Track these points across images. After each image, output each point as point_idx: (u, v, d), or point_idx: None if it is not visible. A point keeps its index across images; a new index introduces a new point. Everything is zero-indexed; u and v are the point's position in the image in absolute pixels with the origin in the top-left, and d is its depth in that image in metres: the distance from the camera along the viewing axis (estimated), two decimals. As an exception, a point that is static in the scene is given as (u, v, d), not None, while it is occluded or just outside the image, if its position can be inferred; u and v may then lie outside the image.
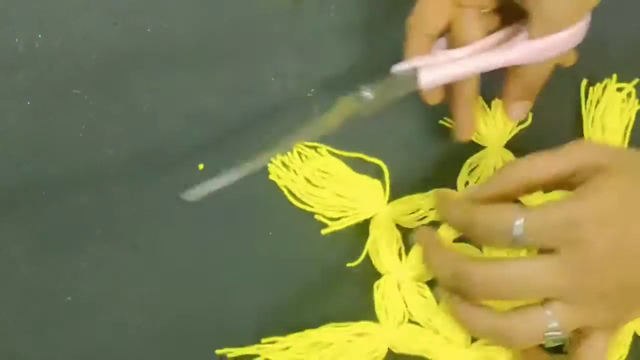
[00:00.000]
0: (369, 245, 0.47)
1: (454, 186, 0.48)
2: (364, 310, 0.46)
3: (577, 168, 0.40)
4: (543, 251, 0.39)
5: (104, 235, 0.48)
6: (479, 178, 0.48)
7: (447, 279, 0.42)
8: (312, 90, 0.50)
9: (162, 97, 0.50)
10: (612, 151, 0.42)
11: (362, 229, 0.48)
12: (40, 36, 0.51)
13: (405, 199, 0.48)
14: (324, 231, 0.47)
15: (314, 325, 0.46)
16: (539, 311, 0.40)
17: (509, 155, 0.49)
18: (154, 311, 0.46)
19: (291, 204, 0.48)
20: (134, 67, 0.50)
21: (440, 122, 0.50)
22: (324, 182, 0.48)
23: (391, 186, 0.48)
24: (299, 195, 0.48)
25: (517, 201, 0.44)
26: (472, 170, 0.49)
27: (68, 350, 0.46)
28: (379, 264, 0.46)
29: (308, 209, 0.48)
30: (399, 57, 0.49)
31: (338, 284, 0.47)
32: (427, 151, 0.50)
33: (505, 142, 0.49)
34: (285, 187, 0.48)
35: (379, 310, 0.46)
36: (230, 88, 0.50)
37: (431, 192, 0.47)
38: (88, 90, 0.50)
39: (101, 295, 0.47)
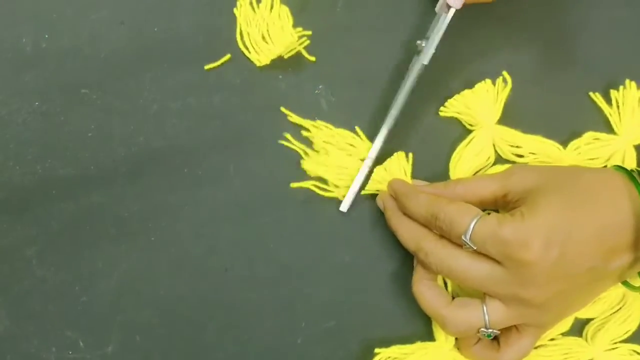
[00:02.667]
0: None
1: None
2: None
3: (509, 189, 0.44)
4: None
5: (118, 234, 0.48)
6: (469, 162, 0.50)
7: (409, 248, 0.46)
8: (320, 87, 0.50)
9: (170, 95, 0.50)
10: (543, 171, 0.45)
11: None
12: (47, 36, 0.51)
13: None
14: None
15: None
16: (477, 308, 0.44)
17: (504, 132, 0.50)
18: (170, 309, 0.47)
19: (305, 200, 0.49)
20: (142, 66, 0.50)
21: (441, 109, 0.51)
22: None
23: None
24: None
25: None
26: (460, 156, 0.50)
27: (86, 351, 0.46)
28: None
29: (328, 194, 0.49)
30: (405, 52, 0.50)
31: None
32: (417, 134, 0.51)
33: (496, 120, 0.50)
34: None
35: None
36: (238, 86, 0.50)
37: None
38: (96, 89, 0.50)
39: (117, 295, 0.47)
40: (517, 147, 0.50)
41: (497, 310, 0.43)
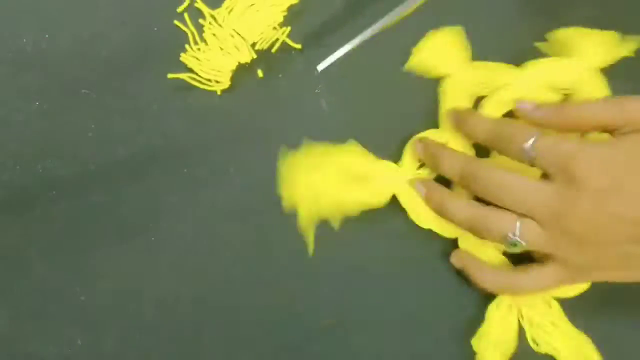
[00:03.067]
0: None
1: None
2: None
3: (628, 122, 0.42)
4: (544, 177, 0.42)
5: (117, 233, 0.48)
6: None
7: (455, 175, 0.46)
8: (320, 86, 0.50)
9: (171, 94, 0.50)
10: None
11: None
12: (47, 36, 0.51)
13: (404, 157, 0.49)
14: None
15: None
16: (511, 218, 0.43)
17: (478, 68, 0.49)
18: (170, 308, 0.47)
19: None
20: (142, 65, 0.50)
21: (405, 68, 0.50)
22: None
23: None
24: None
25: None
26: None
27: (85, 350, 0.46)
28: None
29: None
30: (405, 52, 0.50)
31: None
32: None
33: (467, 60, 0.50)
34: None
35: None
36: (239, 86, 0.50)
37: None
38: (97, 89, 0.50)
39: (117, 294, 0.47)
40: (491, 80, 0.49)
41: (530, 226, 0.42)
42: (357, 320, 0.47)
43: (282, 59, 0.51)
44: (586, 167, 0.40)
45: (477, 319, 0.46)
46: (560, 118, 0.44)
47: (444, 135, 0.48)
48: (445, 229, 0.47)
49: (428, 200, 0.47)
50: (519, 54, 0.49)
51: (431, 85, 0.50)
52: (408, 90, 0.50)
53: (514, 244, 0.43)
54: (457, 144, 0.48)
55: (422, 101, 0.50)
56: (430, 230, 0.48)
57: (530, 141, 0.42)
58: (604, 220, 0.41)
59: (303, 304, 0.48)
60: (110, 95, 0.50)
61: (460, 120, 0.48)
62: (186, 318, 0.47)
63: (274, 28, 0.51)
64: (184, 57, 0.50)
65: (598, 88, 0.48)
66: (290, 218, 0.48)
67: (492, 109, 0.48)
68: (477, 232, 0.45)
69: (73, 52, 0.51)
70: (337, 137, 0.50)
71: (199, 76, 0.50)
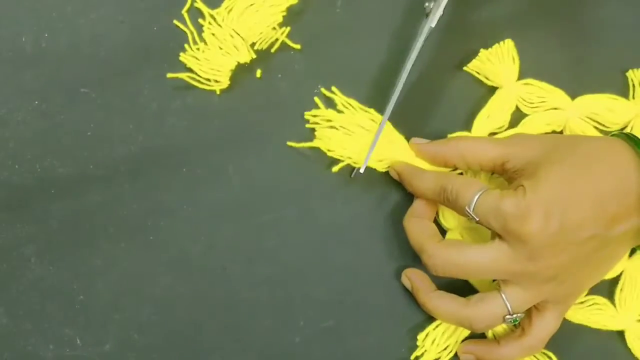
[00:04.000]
0: None
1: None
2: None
3: (509, 158, 0.45)
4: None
5: (116, 232, 0.48)
6: (489, 116, 0.50)
7: (414, 248, 0.46)
8: (319, 87, 0.51)
9: (170, 94, 0.50)
10: (544, 141, 0.45)
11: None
12: (47, 35, 0.51)
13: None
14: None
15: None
16: (495, 298, 0.44)
17: (526, 89, 0.50)
18: (168, 307, 0.47)
19: (304, 200, 0.49)
20: (142, 65, 0.50)
21: (464, 68, 0.51)
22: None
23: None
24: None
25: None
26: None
27: (83, 349, 0.46)
28: None
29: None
30: (404, 52, 0.50)
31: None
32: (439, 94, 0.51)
33: (516, 78, 0.51)
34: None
35: None
36: (238, 86, 0.50)
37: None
38: (96, 88, 0.50)
39: (115, 293, 0.47)
40: (542, 100, 0.50)
41: (515, 293, 0.43)
42: (355, 321, 0.47)
43: (281, 59, 0.51)
44: (532, 223, 0.41)
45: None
46: (451, 151, 0.47)
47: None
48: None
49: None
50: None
51: (428, 87, 0.50)
52: (409, 92, 0.50)
53: (515, 320, 0.44)
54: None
55: (418, 104, 0.50)
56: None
57: (473, 204, 0.43)
58: (568, 254, 0.42)
59: (302, 303, 0.48)
60: (109, 94, 0.50)
61: (406, 177, 0.48)
62: (185, 317, 0.47)
63: (273, 28, 0.51)
64: (183, 57, 0.50)
65: None
66: (288, 217, 0.48)
67: (533, 127, 0.50)
68: (468, 328, 0.46)
69: (72, 52, 0.51)
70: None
71: (198, 76, 0.50)
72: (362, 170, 0.48)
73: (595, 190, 0.42)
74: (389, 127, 0.49)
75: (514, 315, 0.44)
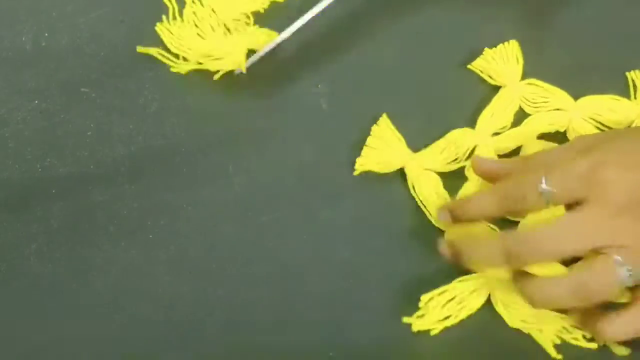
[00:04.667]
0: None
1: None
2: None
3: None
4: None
5: (116, 232, 0.48)
6: (492, 115, 0.50)
7: (497, 263, 0.43)
8: (319, 85, 0.51)
9: (170, 94, 0.50)
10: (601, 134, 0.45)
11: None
12: (47, 34, 0.51)
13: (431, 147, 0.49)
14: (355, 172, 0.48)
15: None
16: (603, 258, 0.40)
17: (529, 89, 0.51)
18: (168, 306, 0.47)
19: (303, 200, 0.49)
20: (142, 64, 0.51)
21: (468, 66, 0.52)
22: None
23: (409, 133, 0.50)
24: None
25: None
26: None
27: (84, 347, 0.46)
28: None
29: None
30: (406, 52, 0.50)
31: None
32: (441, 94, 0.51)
33: (520, 78, 0.51)
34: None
35: None
36: (238, 85, 0.51)
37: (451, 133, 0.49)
38: (96, 88, 0.50)
39: (115, 292, 0.47)
40: (545, 100, 0.50)
41: (619, 252, 0.40)
42: (354, 320, 0.47)
43: (282, 59, 0.51)
44: (609, 169, 0.40)
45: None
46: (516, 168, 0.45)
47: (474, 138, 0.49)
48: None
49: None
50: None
51: (430, 86, 0.51)
52: (408, 91, 0.51)
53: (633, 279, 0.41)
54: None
55: (420, 102, 0.50)
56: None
57: (543, 182, 0.41)
58: None
59: (301, 303, 0.47)
60: (109, 94, 0.50)
61: (459, 212, 0.46)
62: (183, 316, 0.47)
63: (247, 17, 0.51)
64: (159, 27, 0.50)
65: None
66: (288, 217, 0.48)
67: (536, 127, 0.49)
68: (583, 303, 0.42)
69: (72, 51, 0.51)
70: (336, 136, 0.50)
71: (169, 52, 0.50)
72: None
73: None
74: (387, 129, 0.49)
75: (630, 267, 0.40)
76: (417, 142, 0.50)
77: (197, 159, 0.49)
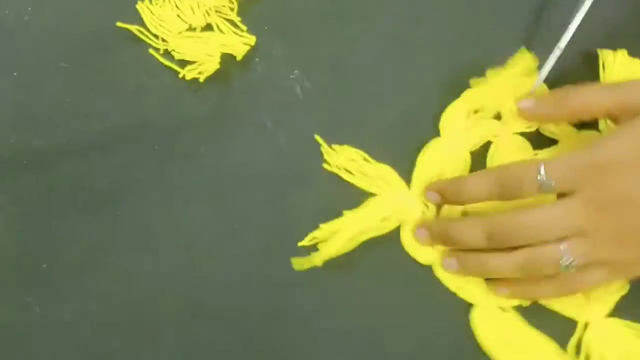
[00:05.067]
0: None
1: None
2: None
3: (630, 106, 0.43)
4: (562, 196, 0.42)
5: (85, 206, 0.48)
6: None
7: (479, 242, 0.44)
8: (296, 72, 0.51)
9: (147, 73, 0.51)
10: None
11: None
12: (30, 9, 0.51)
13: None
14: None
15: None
16: (555, 247, 0.42)
17: None
18: (129, 282, 0.47)
19: (272, 182, 0.49)
20: (121, 43, 0.51)
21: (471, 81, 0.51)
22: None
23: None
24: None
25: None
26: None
27: (42, 317, 0.46)
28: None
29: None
30: (382, 40, 0.51)
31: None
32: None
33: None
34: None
35: None
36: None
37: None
38: (75, 64, 0.51)
39: (78, 265, 0.47)
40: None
41: (576, 242, 0.42)
42: (316, 303, 0.47)
43: (260, 43, 0.51)
44: (607, 169, 0.41)
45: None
46: (564, 109, 0.45)
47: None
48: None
49: (463, 272, 0.46)
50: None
51: (403, 78, 0.51)
52: (383, 81, 0.51)
53: (567, 267, 0.42)
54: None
55: (394, 92, 0.50)
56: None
57: (542, 171, 0.42)
58: (637, 213, 0.41)
59: (264, 283, 0.47)
60: (88, 70, 0.51)
61: (451, 193, 0.46)
62: (144, 292, 0.47)
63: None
64: (140, 6, 0.51)
65: None
66: (256, 199, 0.48)
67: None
68: (531, 272, 0.44)
69: (54, 26, 0.52)
70: (308, 124, 0.50)
71: (148, 30, 0.51)
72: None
73: None
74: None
75: (570, 260, 0.42)
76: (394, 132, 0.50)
77: (169, 139, 0.50)
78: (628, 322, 0.46)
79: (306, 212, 0.48)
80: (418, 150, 0.49)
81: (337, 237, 0.47)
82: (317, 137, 0.49)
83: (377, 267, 0.47)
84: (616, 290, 0.46)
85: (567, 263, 0.42)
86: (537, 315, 0.45)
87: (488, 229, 0.44)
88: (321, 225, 0.47)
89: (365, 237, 0.47)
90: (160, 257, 0.48)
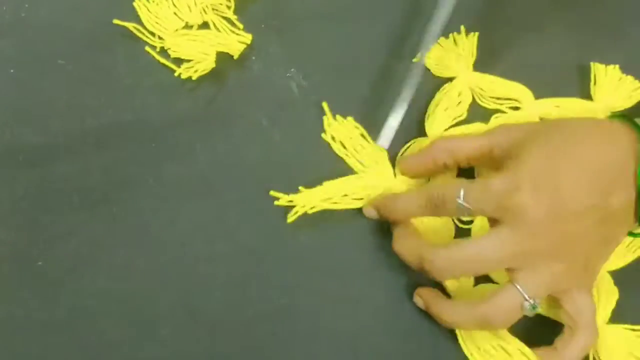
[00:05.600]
0: None
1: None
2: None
3: (494, 145, 0.45)
4: (491, 222, 0.43)
5: (80, 203, 0.48)
6: (446, 109, 0.50)
7: (413, 264, 0.45)
8: (292, 70, 0.51)
9: (143, 70, 0.51)
10: (529, 125, 0.45)
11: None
12: (27, 5, 0.52)
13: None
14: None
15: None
16: (508, 288, 0.42)
17: (481, 78, 0.51)
18: (124, 279, 0.47)
19: (267, 182, 0.49)
20: (118, 40, 0.51)
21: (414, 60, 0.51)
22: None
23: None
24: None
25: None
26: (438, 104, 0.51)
27: (36, 314, 0.46)
28: None
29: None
30: (377, 39, 0.51)
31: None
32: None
33: (471, 67, 0.51)
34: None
35: None
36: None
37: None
38: (71, 60, 0.51)
39: (73, 261, 0.47)
40: (496, 98, 0.51)
41: (526, 277, 0.42)
42: (309, 302, 0.47)
43: (256, 41, 0.52)
44: (524, 192, 0.41)
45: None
46: (437, 152, 0.47)
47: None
48: None
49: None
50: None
51: (399, 76, 0.51)
52: (378, 78, 0.51)
53: (532, 307, 0.42)
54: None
55: (390, 89, 0.50)
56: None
57: (461, 195, 0.42)
58: (568, 226, 0.42)
59: (257, 281, 0.47)
60: (84, 67, 0.51)
61: (385, 210, 0.47)
62: (139, 288, 0.46)
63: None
64: (136, 3, 0.51)
65: None
66: (251, 198, 0.48)
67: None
68: (488, 328, 0.44)
69: (51, 23, 0.52)
70: (305, 121, 0.50)
71: (145, 28, 0.51)
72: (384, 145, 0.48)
73: (586, 161, 0.42)
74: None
75: (532, 301, 0.42)
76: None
77: (164, 135, 0.50)
78: (628, 326, 0.46)
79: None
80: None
81: (314, 192, 0.47)
82: (324, 105, 0.49)
83: (379, 268, 0.48)
84: (611, 296, 0.46)
85: (529, 302, 0.42)
86: (539, 324, 0.46)
87: (419, 260, 0.44)
88: (300, 188, 0.48)
89: (342, 202, 0.48)
90: (155, 254, 0.48)
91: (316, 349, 0.46)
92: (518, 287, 0.42)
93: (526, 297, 0.42)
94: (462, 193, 0.42)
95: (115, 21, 0.50)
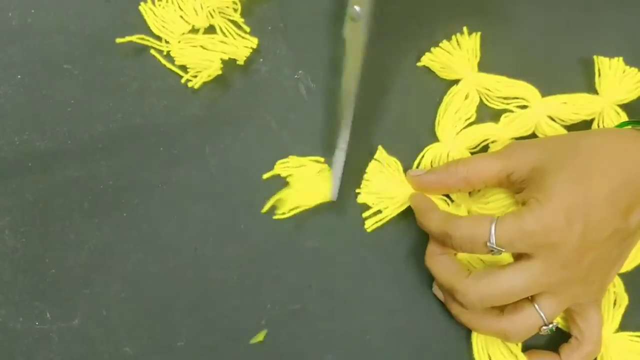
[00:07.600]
0: None
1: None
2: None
3: (512, 170, 0.45)
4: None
5: (90, 208, 0.48)
6: (457, 112, 0.50)
7: (444, 289, 0.46)
8: (300, 72, 0.51)
9: (151, 74, 0.51)
10: (544, 146, 0.45)
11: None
12: (33, 11, 0.51)
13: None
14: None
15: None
16: (529, 310, 0.43)
17: (487, 79, 0.51)
18: (138, 285, 0.47)
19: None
20: (125, 44, 0.51)
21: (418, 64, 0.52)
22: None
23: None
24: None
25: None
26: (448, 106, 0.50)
27: (52, 322, 0.46)
28: None
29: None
30: (384, 41, 0.50)
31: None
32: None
33: (476, 68, 0.51)
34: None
35: None
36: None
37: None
38: (79, 65, 0.51)
39: (86, 268, 0.47)
40: (503, 98, 0.51)
41: (548, 303, 0.43)
42: (322, 305, 0.47)
43: (264, 43, 0.51)
44: (558, 231, 0.41)
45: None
46: (452, 178, 0.46)
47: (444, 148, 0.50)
48: None
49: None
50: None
51: (412, 79, 0.51)
52: (387, 81, 0.51)
53: (552, 330, 0.44)
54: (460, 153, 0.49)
55: (394, 93, 0.50)
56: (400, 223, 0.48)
57: (493, 237, 0.42)
58: (595, 252, 0.42)
59: (270, 286, 0.47)
60: (91, 72, 0.51)
61: (417, 213, 0.47)
62: (153, 295, 0.47)
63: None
64: (142, 8, 0.51)
65: (617, 122, 0.50)
66: (261, 201, 0.48)
67: (509, 124, 0.50)
68: (505, 340, 0.46)
69: (57, 29, 0.51)
70: (313, 123, 0.50)
71: (151, 35, 0.51)
72: (333, 198, 0.48)
73: (608, 186, 0.42)
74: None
75: (550, 326, 0.43)
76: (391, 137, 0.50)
77: (174, 139, 0.50)
78: (633, 333, 0.47)
79: (310, 212, 0.48)
80: (419, 151, 0.50)
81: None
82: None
83: (390, 270, 0.48)
84: (619, 306, 0.47)
85: (547, 327, 0.43)
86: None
87: (451, 286, 0.44)
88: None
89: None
90: (167, 260, 0.48)
91: (331, 352, 0.46)
92: (539, 310, 0.43)
93: (545, 321, 0.43)
94: (492, 234, 0.42)
95: (119, 40, 0.50)
